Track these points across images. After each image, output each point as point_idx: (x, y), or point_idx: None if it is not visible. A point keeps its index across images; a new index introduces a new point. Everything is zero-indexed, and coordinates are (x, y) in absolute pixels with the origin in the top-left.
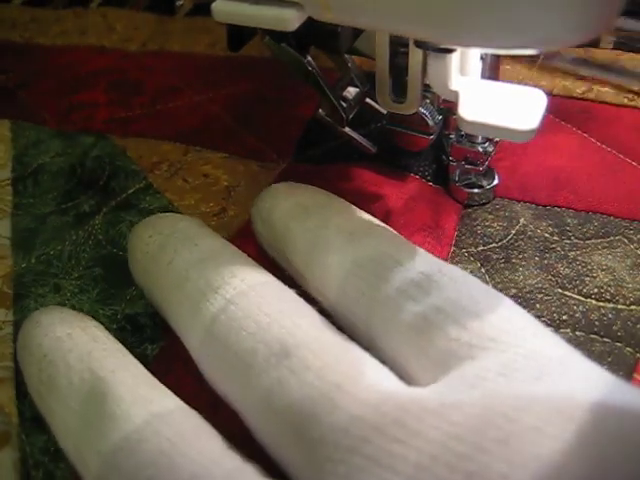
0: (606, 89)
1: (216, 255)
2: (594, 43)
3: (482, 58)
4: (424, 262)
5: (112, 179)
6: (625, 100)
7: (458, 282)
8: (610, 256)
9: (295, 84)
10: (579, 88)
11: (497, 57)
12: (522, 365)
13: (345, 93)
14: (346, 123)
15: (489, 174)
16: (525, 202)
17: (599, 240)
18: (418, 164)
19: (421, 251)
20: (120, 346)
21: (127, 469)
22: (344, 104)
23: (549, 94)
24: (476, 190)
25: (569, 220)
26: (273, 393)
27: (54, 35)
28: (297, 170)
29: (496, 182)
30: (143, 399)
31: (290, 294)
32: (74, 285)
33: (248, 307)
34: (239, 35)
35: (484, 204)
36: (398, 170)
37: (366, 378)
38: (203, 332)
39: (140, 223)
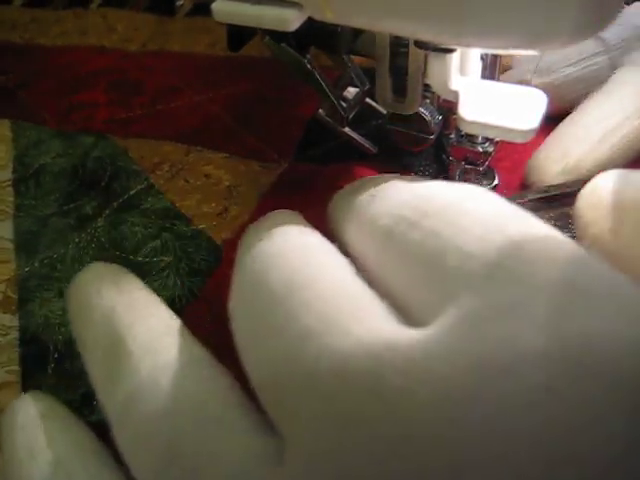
0: None
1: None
2: None
3: (482, 58)
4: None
5: (114, 180)
6: None
7: None
8: None
9: (296, 84)
10: None
11: (497, 57)
12: None
13: (345, 93)
14: (346, 123)
15: (489, 174)
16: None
17: None
18: (419, 163)
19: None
20: (149, 296)
21: (138, 416)
22: (344, 104)
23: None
24: None
25: (569, 220)
26: None
27: (54, 36)
28: (298, 170)
29: (496, 182)
30: (153, 351)
31: None
32: None
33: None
34: (239, 35)
35: None
36: (399, 169)
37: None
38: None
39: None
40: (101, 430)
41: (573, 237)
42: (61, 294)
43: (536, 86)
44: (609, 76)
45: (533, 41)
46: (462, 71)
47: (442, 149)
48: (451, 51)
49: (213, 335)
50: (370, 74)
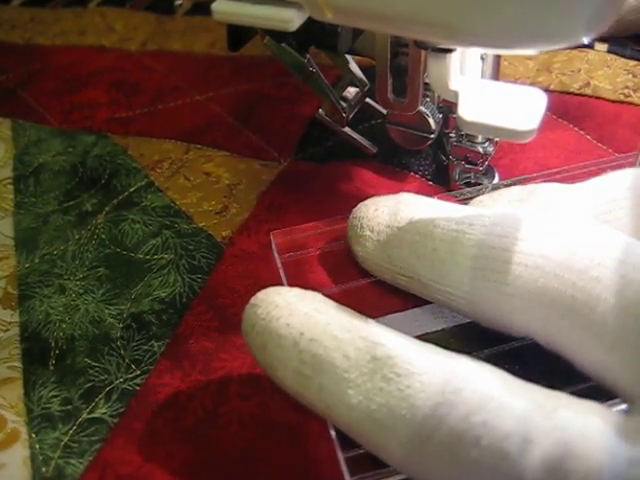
0: (602, 85)
1: (451, 207)
2: (589, 44)
3: (482, 58)
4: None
5: (113, 177)
6: (622, 96)
7: None
8: None
9: (296, 83)
10: (576, 83)
11: (497, 57)
12: None
13: (345, 93)
14: (346, 123)
15: (489, 173)
16: None
17: None
18: (418, 163)
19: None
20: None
21: (451, 422)
22: (344, 104)
23: (546, 90)
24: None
25: None
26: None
27: (54, 35)
28: (298, 168)
29: (496, 181)
30: (434, 356)
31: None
32: (79, 286)
33: (513, 222)
34: (239, 35)
35: None
36: (398, 169)
37: None
38: (471, 259)
39: (359, 207)
40: (104, 427)
41: None
42: (62, 290)
43: None
44: None
45: (533, 41)
46: (462, 71)
47: (442, 149)
48: (451, 51)
49: (214, 331)
50: (370, 74)
